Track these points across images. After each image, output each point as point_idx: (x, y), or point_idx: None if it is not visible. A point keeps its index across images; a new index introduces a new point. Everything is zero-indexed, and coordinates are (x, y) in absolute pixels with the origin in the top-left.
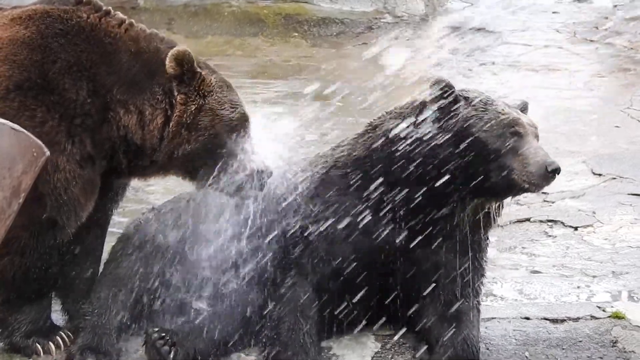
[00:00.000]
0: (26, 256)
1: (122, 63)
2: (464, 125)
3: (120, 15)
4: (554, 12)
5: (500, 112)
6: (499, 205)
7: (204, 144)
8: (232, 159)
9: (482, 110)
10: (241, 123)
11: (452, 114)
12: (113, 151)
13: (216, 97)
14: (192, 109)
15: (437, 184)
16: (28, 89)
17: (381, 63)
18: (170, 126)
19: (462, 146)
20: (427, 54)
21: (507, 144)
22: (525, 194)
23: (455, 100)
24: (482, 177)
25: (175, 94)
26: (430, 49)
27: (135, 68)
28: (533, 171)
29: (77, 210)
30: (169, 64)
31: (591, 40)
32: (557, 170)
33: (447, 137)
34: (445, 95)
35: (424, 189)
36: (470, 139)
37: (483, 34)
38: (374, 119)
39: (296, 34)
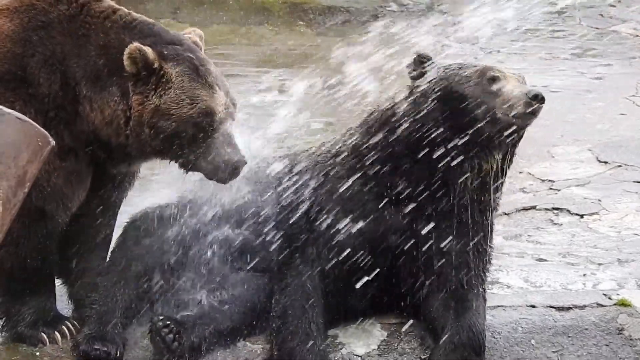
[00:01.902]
0: (20, 247)
1: (89, 57)
2: (443, 85)
3: (107, 2)
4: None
5: (475, 65)
6: (502, 167)
7: (169, 140)
8: (204, 148)
9: (459, 68)
10: (204, 118)
11: (432, 80)
12: (89, 144)
13: (173, 95)
14: (149, 110)
15: (432, 150)
16: (8, 82)
17: (386, 52)
18: (131, 126)
19: (445, 105)
20: (433, 42)
21: (485, 89)
22: (530, 182)
23: (433, 69)
24: (470, 128)
25: (131, 95)
26: (436, 37)
27: (99, 63)
28: (514, 103)
29: (63, 200)
30: (125, 62)
31: (596, 28)
32: (538, 96)
33: (431, 102)
34: (425, 65)
35: (420, 160)
36: (450, 95)
37: (488, 22)
38: (372, 107)
39: (301, 23)
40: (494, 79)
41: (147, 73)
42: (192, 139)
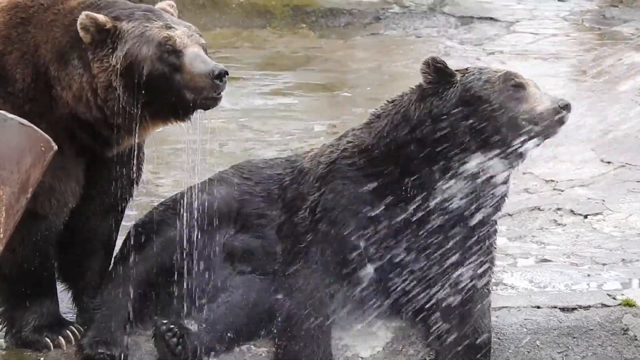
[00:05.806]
0: (17, 251)
1: (55, 38)
2: (464, 90)
3: None
4: (560, 1)
5: (495, 71)
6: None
7: (144, 93)
8: (180, 76)
9: (479, 73)
10: (164, 48)
11: (449, 85)
12: (71, 130)
13: (130, 45)
14: (113, 70)
15: (447, 154)
16: None
17: (389, 53)
18: (100, 95)
19: (466, 110)
20: (435, 43)
21: (510, 95)
22: (533, 183)
23: (450, 73)
24: (493, 134)
25: (92, 63)
26: (438, 38)
27: (63, 42)
28: (542, 111)
29: (55, 197)
30: (80, 33)
31: (599, 28)
32: (567, 106)
33: (449, 107)
34: (438, 70)
35: (432, 163)
36: (473, 101)
37: (491, 23)
38: (376, 109)
39: (304, 25)
40: (518, 85)
41: (101, 37)
42: (164, 78)
